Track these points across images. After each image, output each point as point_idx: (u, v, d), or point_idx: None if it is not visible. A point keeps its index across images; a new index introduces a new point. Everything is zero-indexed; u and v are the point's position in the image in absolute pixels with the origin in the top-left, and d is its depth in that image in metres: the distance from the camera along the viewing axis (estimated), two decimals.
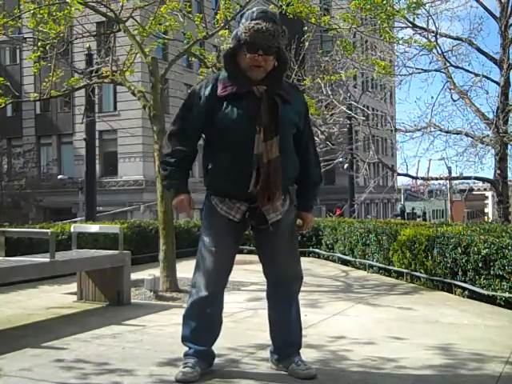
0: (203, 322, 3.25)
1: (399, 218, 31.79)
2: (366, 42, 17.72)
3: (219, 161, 3.13)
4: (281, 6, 7.61)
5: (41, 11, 7.40)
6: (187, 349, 3.29)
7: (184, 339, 3.32)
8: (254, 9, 3.10)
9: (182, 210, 3.22)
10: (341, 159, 17.76)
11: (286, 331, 3.34)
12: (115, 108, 29.64)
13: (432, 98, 13.72)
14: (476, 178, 15.11)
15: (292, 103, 3.13)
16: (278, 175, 3.04)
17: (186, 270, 7.69)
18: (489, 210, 65.39)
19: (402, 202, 41.85)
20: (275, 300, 3.35)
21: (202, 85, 3.21)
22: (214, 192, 3.24)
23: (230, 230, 3.22)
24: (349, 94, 15.71)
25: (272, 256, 3.29)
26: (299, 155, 3.24)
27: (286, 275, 3.30)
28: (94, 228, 6.84)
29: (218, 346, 3.88)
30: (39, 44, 7.90)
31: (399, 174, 15.33)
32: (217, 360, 3.62)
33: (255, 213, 3.14)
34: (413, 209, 48.09)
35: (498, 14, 13.24)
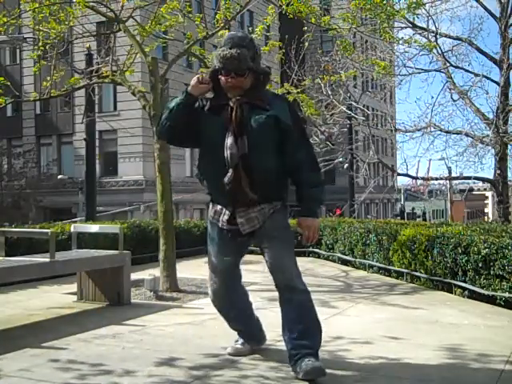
0: (222, 316, 3.76)
1: (399, 217, 31.81)
2: (366, 42, 17.73)
3: (204, 166, 3.43)
4: (281, 5, 7.61)
5: (43, 10, 7.40)
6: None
7: None
8: (226, 34, 3.48)
9: (198, 88, 3.30)
10: (341, 159, 17.75)
11: (285, 332, 3.38)
12: (115, 108, 29.62)
13: (432, 97, 13.69)
14: (476, 178, 15.11)
15: (270, 109, 3.30)
16: (248, 172, 3.23)
17: (185, 269, 7.72)
18: (489, 210, 65.36)
19: (402, 202, 41.84)
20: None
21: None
22: (210, 199, 3.50)
23: (222, 237, 3.42)
24: (349, 94, 15.71)
25: (266, 261, 3.42)
26: (288, 156, 3.32)
27: (277, 281, 3.41)
28: (94, 228, 6.84)
29: (217, 346, 3.89)
30: (40, 44, 7.90)
31: (399, 174, 15.32)
32: (216, 360, 3.64)
33: (232, 222, 3.33)
34: (413, 209, 48.08)
35: (497, 14, 13.24)
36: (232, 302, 3.66)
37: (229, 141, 3.24)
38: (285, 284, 3.35)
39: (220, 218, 3.39)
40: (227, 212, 3.35)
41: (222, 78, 3.28)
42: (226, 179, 3.24)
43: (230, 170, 3.23)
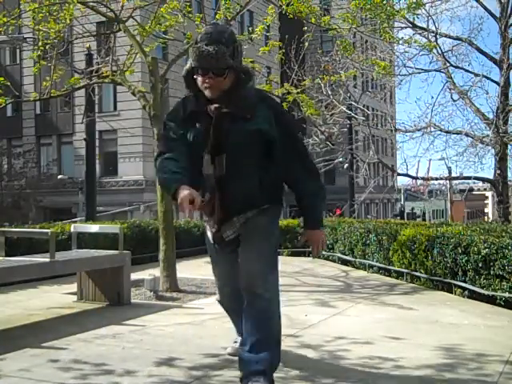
0: (224, 308, 3.59)
1: (399, 217, 31.80)
2: (366, 42, 17.72)
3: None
4: (281, 5, 7.61)
5: (42, 10, 7.40)
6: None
7: None
8: (203, 29, 3.03)
9: (183, 207, 2.73)
10: (341, 159, 17.75)
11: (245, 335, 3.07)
12: (115, 108, 29.62)
13: (432, 97, 13.71)
14: (476, 178, 15.12)
15: (254, 119, 2.95)
16: (227, 195, 2.95)
17: (185, 269, 7.72)
18: (489, 210, 65.32)
19: (402, 202, 41.84)
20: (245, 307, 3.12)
21: (179, 102, 3.17)
22: None
23: (214, 249, 3.25)
24: (349, 94, 15.70)
25: (241, 257, 3.11)
26: (281, 167, 3.06)
27: (247, 277, 3.04)
28: (94, 228, 6.85)
29: (217, 346, 3.89)
30: (40, 44, 7.90)
31: (399, 174, 15.33)
32: (216, 360, 3.64)
33: (217, 235, 3.10)
34: (413, 209, 48.07)
35: (497, 14, 13.25)
36: (236, 298, 3.34)
37: (205, 159, 2.92)
38: (247, 288, 3.02)
39: (208, 228, 3.20)
40: (214, 228, 3.10)
41: (199, 79, 2.90)
42: (203, 200, 2.89)
43: (207, 194, 2.95)
